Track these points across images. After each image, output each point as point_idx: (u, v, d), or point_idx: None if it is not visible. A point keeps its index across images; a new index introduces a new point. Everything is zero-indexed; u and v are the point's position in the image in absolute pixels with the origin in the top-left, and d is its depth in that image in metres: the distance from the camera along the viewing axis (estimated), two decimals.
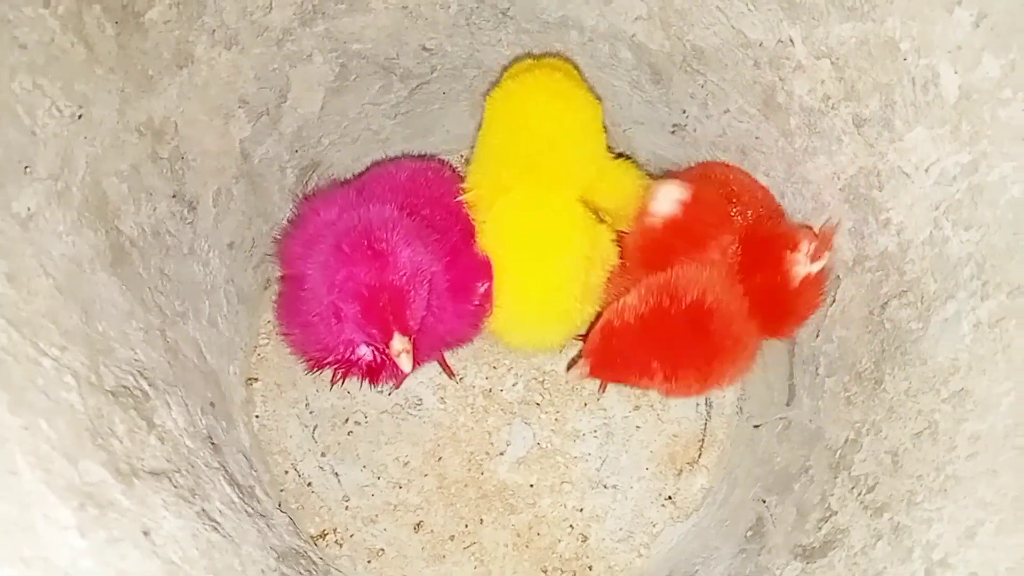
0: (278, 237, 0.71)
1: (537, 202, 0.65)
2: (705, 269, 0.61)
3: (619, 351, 0.59)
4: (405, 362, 0.58)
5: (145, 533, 0.44)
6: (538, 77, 0.66)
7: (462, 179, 0.70)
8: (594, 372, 0.62)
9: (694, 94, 0.68)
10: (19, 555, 0.35)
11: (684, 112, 0.71)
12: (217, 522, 0.53)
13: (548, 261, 0.65)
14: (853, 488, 0.55)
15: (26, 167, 0.47)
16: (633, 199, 0.67)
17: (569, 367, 0.63)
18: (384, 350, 0.59)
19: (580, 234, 0.65)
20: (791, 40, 0.58)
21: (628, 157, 0.75)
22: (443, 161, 0.80)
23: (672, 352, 0.58)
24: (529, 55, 0.73)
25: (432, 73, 0.75)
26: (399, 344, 0.57)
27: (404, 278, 0.57)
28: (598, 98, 0.68)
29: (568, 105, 0.65)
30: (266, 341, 0.78)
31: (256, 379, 0.77)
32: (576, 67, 0.72)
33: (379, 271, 0.57)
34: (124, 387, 0.51)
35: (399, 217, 0.61)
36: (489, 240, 0.66)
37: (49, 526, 0.38)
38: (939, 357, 0.51)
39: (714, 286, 0.59)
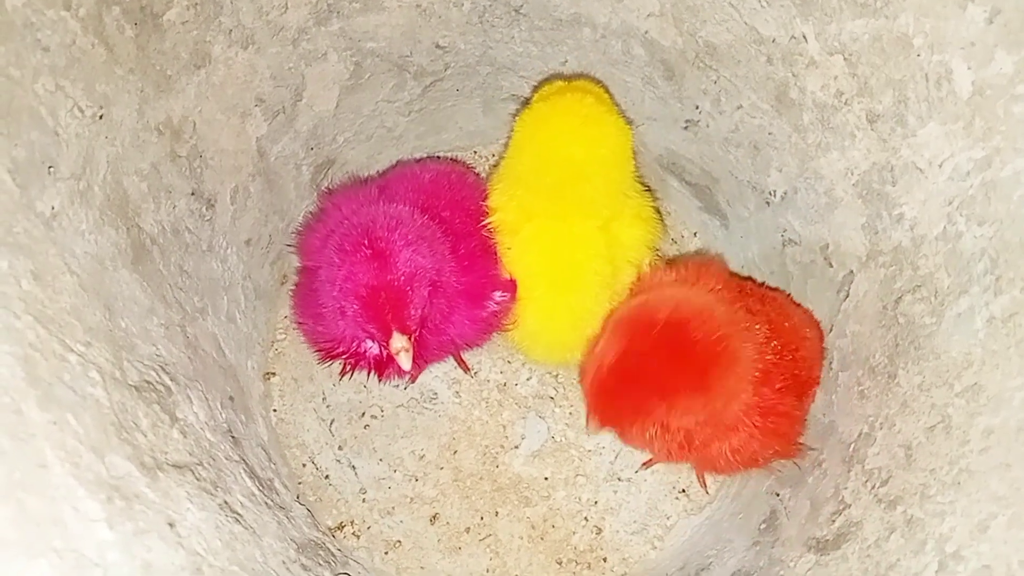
0: (299, 229, 0.72)
1: (562, 232, 0.65)
2: (676, 288, 0.60)
3: (613, 400, 0.57)
4: (404, 360, 0.59)
5: (170, 525, 0.45)
6: (569, 100, 0.65)
7: (485, 186, 0.71)
8: (605, 424, 0.59)
9: (707, 90, 0.68)
10: (51, 547, 0.36)
11: (697, 108, 0.71)
12: (239, 514, 0.54)
13: (572, 290, 0.66)
14: (867, 481, 0.56)
15: (49, 167, 0.48)
16: (644, 243, 0.68)
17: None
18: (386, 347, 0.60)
19: (603, 264, 0.66)
20: (804, 36, 0.58)
21: (651, 191, 0.74)
22: (468, 166, 0.81)
23: (660, 380, 0.56)
24: (560, 76, 0.73)
25: (445, 71, 0.76)
26: (398, 343, 0.58)
27: (403, 278, 0.58)
28: (629, 123, 0.67)
29: (599, 130, 0.64)
30: (283, 336, 0.79)
31: (274, 374, 0.78)
32: (607, 90, 0.72)
33: (378, 271, 0.57)
34: (147, 382, 0.52)
35: (406, 216, 0.62)
36: (514, 265, 0.67)
37: (78, 519, 0.39)
38: (952, 352, 0.51)
39: (687, 300, 0.58)
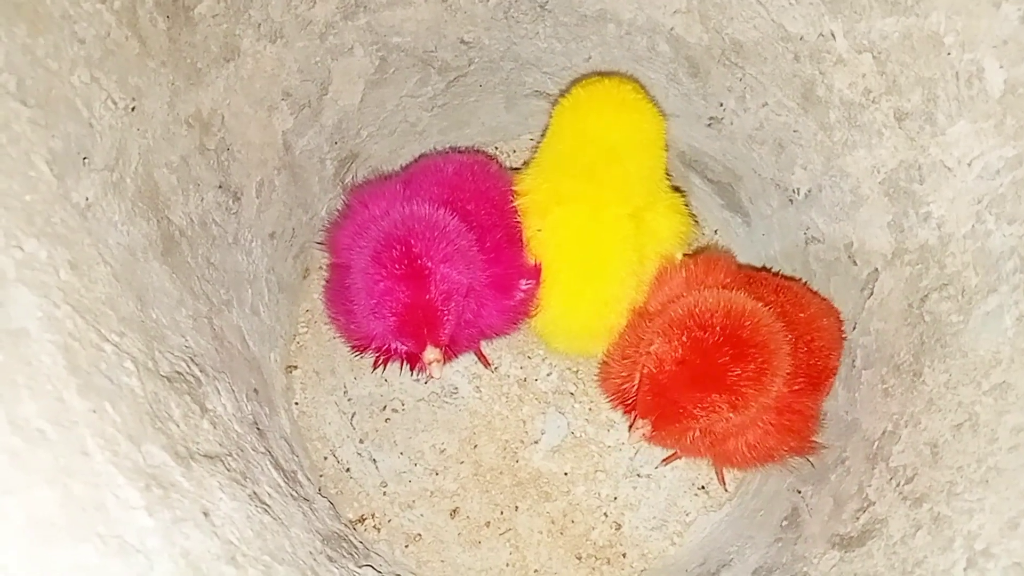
0: (327, 226, 0.73)
1: (592, 218, 0.66)
2: (720, 291, 0.61)
3: (674, 400, 0.57)
4: (436, 370, 0.60)
5: (205, 514, 0.45)
6: (607, 87, 0.67)
7: (509, 174, 0.71)
8: (657, 428, 0.59)
9: (732, 87, 0.68)
10: (95, 532, 0.37)
11: (721, 105, 0.71)
12: (267, 505, 0.54)
13: (599, 277, 0.66)
14: (891, 479, 0.56)
15: (84, 158, 0.48)
16: (676, 237, 0.69)
17: (630, 429, 0.60)
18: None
19: (631, 252, 0.66)
20: (832, 34, 0.58)
21: (681, 192, 0.75)
22: (490, 156, 0.81)
23: (726, 377, 0.56)
24: (590, 75, 0.75)
25: (469, 66, 0.76)
26: (431, 355, 0.60)
27: (441, 297, 0.59)
28: (663, 115, 0.68)
29: (635, 116, 0.66)
30: (305, 329, 0.79)
31: (295, 367, 0.78)
32: (642, 86, 0.73)
33: (417, 290, 0.58)
34: (178, 372, 0.52)
35: (440, 225, 0.62)
36: (542, 249, 0.68)
37: (120, 505, 0.39)
38: (980, 350, 0.51)
39: (736, 300, 0.59)
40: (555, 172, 0.68)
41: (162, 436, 0.46)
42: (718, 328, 0.56)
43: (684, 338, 0.56)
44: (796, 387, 0.61)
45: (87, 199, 0.48)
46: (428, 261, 0.58)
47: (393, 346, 0.65)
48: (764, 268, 0.77)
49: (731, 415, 0.56)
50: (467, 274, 0.61)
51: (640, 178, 0.67)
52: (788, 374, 0.59)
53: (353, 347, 0.68)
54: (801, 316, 0.64)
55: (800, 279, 0.72)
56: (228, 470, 0.52)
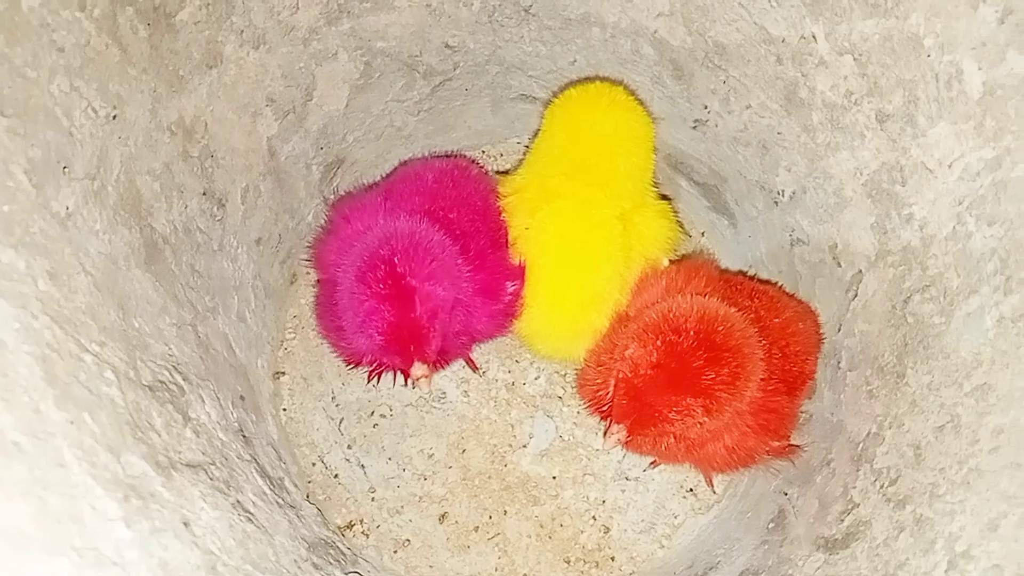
0: (311, 242, 0.73)
1: (580, 216, 0.66)
2: (694, 296, 0.61)
3: (649, 403, 0.57)
4: (424, 385, 0.61)
5: (185, 524, 0.45)
6: (600, 87, 0.69)
7: (490, 177, 0.71)
8: (633, 432, 0.58)
9: (715, 90, 0.69)
10: (71, 545, 0.37)
11: (705, 107, 0.71)
12: (251, 513, 0.54)
13: (585, 275, 0.67)
14: (875, 481, 0.56)
15: (64, 167, 0.48)
16: (663, 241, 0.69)
17: (605, 434, 0.59)
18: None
19: (617, 251, 0.67)
20: (814, 36, 0.58)
21: (669, 200, 0.75)
22: (471, 159, 0.81)
23: (700, 381, 0.56)
24: (574, 79, 0.76)
25: (455, 70, 0.76)
26: (418, 371, 0.60)
27: (426, 315, 0.59)
28: (653, 119, 0.70)
29: (625, 115, 0.67)
30: (292, 335, 0.79)
31: (283, 373, 0.78)
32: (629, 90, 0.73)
33: (401, 309, 0.59)
34: (160, 382, 0.52)
35: (424, 241, 0.62)
36: (529, 246, 0.68)
37: (96, 517, 0.39)
38: (962, 351, 0.51)
39: (710, 305, 0.59)
40: (546, 170, 0.68)
41: (142, 446, 0.46)
42: (692, 332, 0.56)
43: (659, 342, 0.57)
44: (771, 389, 0.61)
45: (67, 208, 0.48)
46: (412, 280, 0.59)
47: (384, 360, 0.66)
48: (748, 270, 0.77)
49: (705, 419, 0.56)
50: (452, 289, 0.61)
51: (629, 178, 0.67)
52: (762, 379, 0.59)
53: (346, 362, 0.69)
54: (776, 321, 0.64)
55: (780, 283, 0.72)
56: (211, 479, 0.52)
